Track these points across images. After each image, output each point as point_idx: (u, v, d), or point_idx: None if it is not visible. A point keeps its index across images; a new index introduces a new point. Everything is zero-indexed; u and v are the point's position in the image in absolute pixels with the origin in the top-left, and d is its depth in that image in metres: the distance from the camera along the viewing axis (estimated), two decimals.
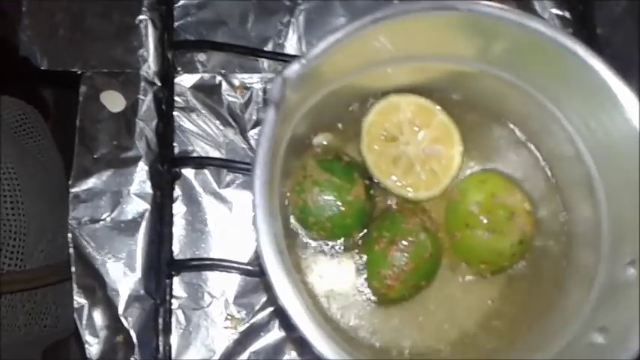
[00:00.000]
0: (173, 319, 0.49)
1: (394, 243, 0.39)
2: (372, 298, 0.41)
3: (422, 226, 0.40)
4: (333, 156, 0.41)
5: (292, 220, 0.41)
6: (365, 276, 0.41)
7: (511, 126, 0.43)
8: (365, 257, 0.41)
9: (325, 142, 0.43)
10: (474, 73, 0.39)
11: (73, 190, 0.50)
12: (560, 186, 0.42)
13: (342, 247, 0.41)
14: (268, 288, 0.49)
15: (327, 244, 0.41)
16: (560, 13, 0.56)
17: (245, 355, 0.49)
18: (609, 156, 0.36)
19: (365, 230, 0.41)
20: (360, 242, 0.41)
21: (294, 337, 0.49)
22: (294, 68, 0.32)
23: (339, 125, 0.43)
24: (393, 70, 0.39)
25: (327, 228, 0.40)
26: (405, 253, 0.39)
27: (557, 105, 0.37)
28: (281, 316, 0.49)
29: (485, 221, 0.40)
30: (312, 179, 0.39)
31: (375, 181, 0.43)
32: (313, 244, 0.41)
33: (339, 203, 0.39)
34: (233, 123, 0.53)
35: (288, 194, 0.40)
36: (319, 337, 0.31)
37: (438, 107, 0.42)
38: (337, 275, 0.41)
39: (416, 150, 0.42)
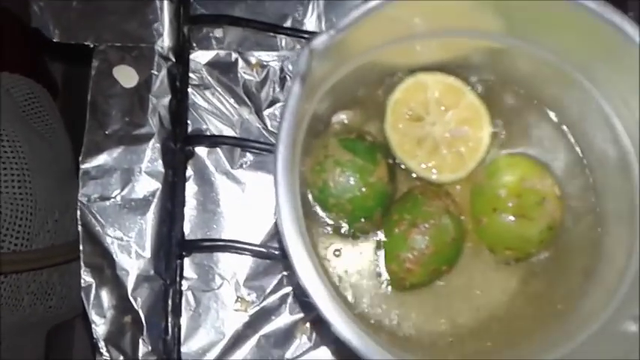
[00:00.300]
0: (183, 301, 0.48)
1: (415, 226, 0.38)
2: (389, 281, 0.39)
3: (445, 209, 0.38)
4: (356, 135, 0.40)
5: (311, 199, 0.39)
6: (384, 259, 0.39)
7: (544, 107, 0.41)
8: (384, 239, 0.39)
9: (347, 121, 0.41)
10: (506, 49, 0.37)
11: (83, 166, 0.48)
12: (592, 168, 0.40)
13: (362, 229, 0.40)
14: (281, 270, 0.49)
15: (346, 226, 0.40)
16: None
17: (255, 338, 0.48)
18: None
19: (386, 212, 0.40)
20: (380, 224, 0.40)
21: (306, 320, 0.48)
22: (322, 39, 0.31)
23: (363, 103, 0.41)
24: (422, 46, 0.38)
25: (347, 210, 0.38)
26: (426, 237, 0.38)
27: (595, 83, 0.35)
28: (295, 298, 0.48)
29: (513, 205, 0.38)
30: (334, 159, 0.38)
31: (398, 161, 0.41)
32: (332, 224, 0.40)
33: (362, 185, 0.38)
34: (248, 102, 0.52)
35: (307, 173, 0.39)
36: (339, 317, 0.29)
37: (468, 87, 0.40)
38: (356, 257, 0.40)
39: (442, 131, 0.40)
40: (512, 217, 0.38)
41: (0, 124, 0.63)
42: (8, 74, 0.70)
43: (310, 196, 0.39)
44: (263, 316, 0.48)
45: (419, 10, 0.34)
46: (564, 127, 0.41)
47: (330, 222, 0.40)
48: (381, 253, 0.40)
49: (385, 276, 0.39)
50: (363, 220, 0.39)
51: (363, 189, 0.38)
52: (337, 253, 0.40)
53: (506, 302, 0.39)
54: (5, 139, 0.63)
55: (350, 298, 0.39)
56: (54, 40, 0.50)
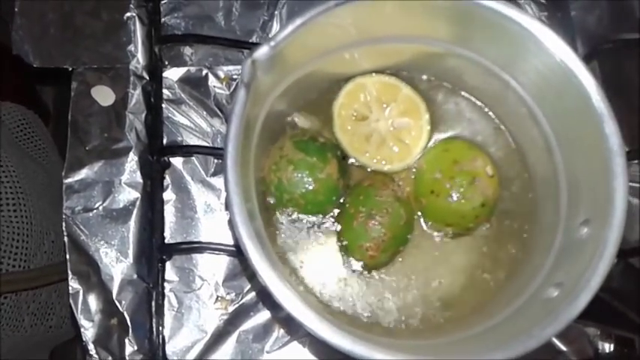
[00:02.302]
0: (165, 302, 0.51)
1: (371, 217, 0.41)
2: (352, 268, 0.42)
3: (394, 196, 0.42)
4: (309, 137, 0.43)
5: (269, 197, 0.43)
6: (346, 249, 0.43)
7: (471, 98, 0.45)
8: (343, 232, 0.43)
9: (302, 124, 0.44)
10: (436, 52, 0.41)
11: (66, 181, 0.52)
12: (521, 149, 0.44)
13: (320, 223, 0.43)
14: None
15: (304, 221, 0.43)
16: None
17: (235, 334, 0.51)
18: (562, 117, 0.37)
19: (339, 207, 0.43)
20: (336, 218, 0.43)
21: (281, 317, 0.51)
22: (263, 50, 0.34)
23: (315, 107, 0.45)
24: (361, 53, 0.41)
25: (300, 204, 0.42)
26: (382, 225, 0.41)
27: (514, 77, 0.39)
28: (266, 296, 0.51)
29: (448, 186, 0.42)
30: (287, 158, 0.42)
31: (352, 159, 0.44)
32: (291, 220, 0.43)
33: (311, 180, 0.41)
34: (219, 113, 0.55)
35: (265, 173, 0.42)
36: (304, 311, 0.33)
37: (403, 82, 0.44)
38: (315, 250, 0.43)
39: (386, 125, 0.44)
40: (447, 197, 0.42)
41: None
42: None
43: (269, 195, 0.43)
44: (242, 313, 0.51)
45: (353, 21, 0.37)
46: (491, 113, 0.45)
47: (289, 217, 0.43)
48: (341, 245, 0.43)
49: (344, 263, 0.43)
50: (317, 213, 0.43)
51: (314, 184, 0.42)
52: (298, 247, 0.43)
53: (454, 273, 0.42)
54: None
55: (312, 288, 0.42)
56: (34, 66, 0.53)
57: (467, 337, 0.37)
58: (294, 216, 0.43)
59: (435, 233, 0.44)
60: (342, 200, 0.43)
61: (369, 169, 0.45)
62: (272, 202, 0.42)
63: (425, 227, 0.44)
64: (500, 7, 0.34)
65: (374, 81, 0.44)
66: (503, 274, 0.42)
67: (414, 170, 0.44)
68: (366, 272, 0.43)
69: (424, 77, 0.45)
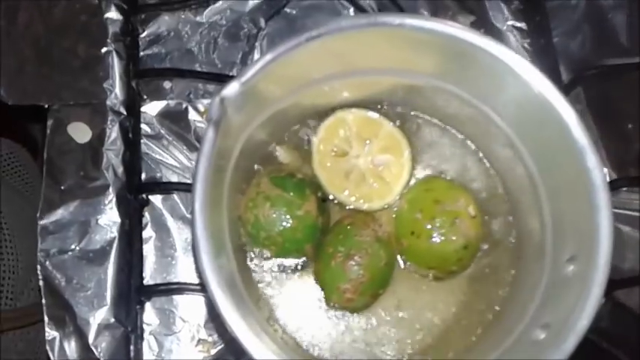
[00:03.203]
0: (145, 346, 0.49)
1: (350, 257, 0.40)
2: (331, 311, 0.41)
3: (375, 236, 0.41)
4: (286, 173, 0.42)
5: (245, 237, 0.41)
6: (322, 291, 0.41)
7: (453, 130, 0.44)
8: (320, 272, 0.41)
9: (282, 159, 0.43)
10: (415, 84, 0.40)
11: (41, 222, 0.50)
12: (504, 184, 0.43)
13: (297, 263, 0.42)
14: None
15: (282, 260, 0.42)
16: (517, 24, 0.57)
17: None
18: (543, 151, 0.36)
19: (318, 245, 0.42)
20: (313, 257, 0.42)
21: None
22: (232, 88, 0.33)
23: (291, 143, 0.43)
24: (339, 86, 0.40)
25: (278, 242, 0.40)
26: (361, 266, 0.40)
27: (495, 110, 0.38)
28: None
29: (429, 228, 0.40)
30: (264, 195, 0.40)
31: (331, 197, 0.43)
32: (268, 261, 0.42)
33: (289, 217, 0.40)
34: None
35: (242, 211, 0.41)
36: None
37: (383, 118, 0.43)
38: (294, 291, 0.42)
39: (366, 162, 0.43)
40: (429, 239, 0.40)
41: None
42: None
43: (245, 234, 0.41)
44: (225, 356, 0.49)
45: (327, 54, 0.36)
46: (480, 153, 0.43)
47: (266, 259, 0.42)
48: (319, 285, 0.41)
49: (324, 305, 0.41)
50: (295, 253, 0.41)
51: (292, 222, 0.40)
52: (275, 288, 0.41)
53: (438, 316, 0.41)
54: None
55: (292, 332, 0.40)
56: (9, 104, 0.52)
57: None
58: (271, 255, 0.41)
59: (417, 276, 0.42)
60: (320, 239, 0.42)
61: (347, 207, 0.43)
62: (248, 241, 0.41)
63: (406, 270, 0.42)
64: (476, 38, 0.34)
65: (355, 116, 0.43)
66: (489, 315, 0.40)
67: (395, 209, 0.43)
68: (346, 316, 0.41)
69: (404, 110, 0.44)
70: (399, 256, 0.42)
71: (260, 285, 0.41)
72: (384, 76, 0.40)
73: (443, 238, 0.40)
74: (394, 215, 0.43)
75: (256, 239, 0.41)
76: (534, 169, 0.37)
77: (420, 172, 0.44)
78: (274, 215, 0.40)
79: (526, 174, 0.38)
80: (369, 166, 0.43)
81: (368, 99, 0.43)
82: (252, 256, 0.42)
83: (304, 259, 0.42)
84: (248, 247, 0.41)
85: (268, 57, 0.34)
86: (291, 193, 0.40)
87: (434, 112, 0.43)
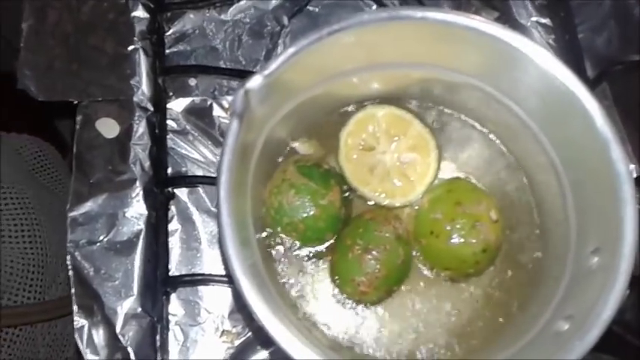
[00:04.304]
0: (170, 336, 0.50)
1: (367, 251, 0.40)
2: (346, 302, 0.41)
3: (394, 233, 0.41)
4: (313, 163, 0.42)
5: (268, 223, 0.42)
6: (338, 281, 0.41)
7: (482, 129, 0.44)
8: (336, 263, 0.42)
9: (304, 151, 0.44)
10: (443, 79, 0.40)
11: (70, 214, 0.51)
12: (528, 177, 0.43)
13: (316, 252, 0.42)
14: None
15: (302, 248, 0.42)
16: (542, 20, 0.57)
17: None
18: (567, 144, 0.36)
19: (337, 236, 0.42)
20: (332, 247, 0.42)
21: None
22: (256, 80, 0.34)
23: (319, 133, 0.44)
24: (368, 78, 0.40)
25: (299, 229, 0.41)
26: (378, 261, 0.40)
27: (517, 103, 0.38)
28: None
29: (448, 229, 0.40)
30: (290, 182, 0.41)
31: (354, 189, 0.43)
32: (288, 247, 0.42)
33: (313, 206, 0.41)
34: None
35: (266, 196, 0.41)
36: (301, 350, 0.32)
37: (414, 117, 0.43)
38: (311, 280, 0.42)
39: (392, 159, 0.43)
40: (447, 240, 0.40)
41: (12, 183, 0.66)
42: (16, 135, 0.74)
43: (268, 219, 0.42)
44: (249, 347, 0.50)
45: (349, 47, 0.37)
46: (502, 147, 0.43)
47: (287, 244, 0.42)
48: (335, 275, 0.42)
49: (339, 296, 0.41)
50: (316, 241, 0.42)
51: (315, 210, 0.41)
52: (293, 275, 0.42)
53: (455, 315, 0.41)
54: (15, 196, 0.65)
55: (317, 321, 0.41)
56: (39, 100, 0.53)
57: None
58: (293, 244, 0.42)
59: (433, 276, 0.42)
60: (340, 231, 0.42)
61: (369, 202, 0.43)
62: (270, 228, 0.41)
63: (423, 269, 0.42)
64: (499, 31, 0.34)
65: (385, 112, 0.44)
66: (512, 308, 0.40)
67: (416, 208, 0.43)
68: (364, 307, 0.41)
69: (432, 105, 0.44)
70: (416, 255, 0.42)
71: (281, 275, 0.42)
72: (412, 69, 0.40)
73: (462, 240, 0.40)
74: (415, 214, 0.43)
75: (279, 224, 0.42)
76: (558, 162, 0.37)
77: (444, 174, 0.44)
78: (298, 202, 0.41)
79: (550, 167, 0.38)
80: (394, 163, 0.43)
81: (396, 93, 0.43)
82: (274, 242, 0.42)
83: (324, 248, 0.42)
84: (270, 233, 0.42)
85: (291, 50, 0.34)
86: (317, 183, 0.41)
87: (459, 107, 0.43)
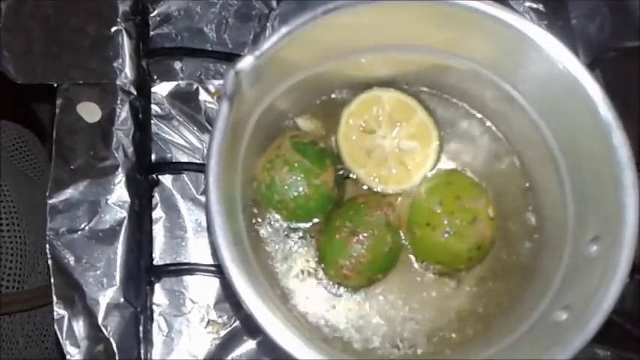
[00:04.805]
0: (154, 326, 0.49)
1: (355, 234, 0.39)
2: (328, 285, 0.41)
3: (385, 220, 0.40)
4: (309, 140, 0.41)
5: (258, 197, 0.41)
6: (322, 263, 0.41)
7: (481, 116, 0.43)
8: (322, 244, 0.41)
9: (307, 127, 0.43)
10: (435, 62, 0.39)
11: (50, 201, 0.50)
12: (524, 165, 0.42)
13: (304, 231, 0.42)
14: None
15: (290, 226, 0.42)
16: (534, 5, 0.56)
17: (228, 359, 0.48)
18: (567, 129, 0.36)
19: (327, 217, 0.41)
20: (321, 228, 0.42)
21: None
22: (247, 61, 0.32)
23: (322, 111, 0.43)
24: (371, 60, 0.40)
25: (290, 208, 0.40)
26: (364, 246, 0.39)
27: (515, 86, 0.37)
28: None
29: (446, 222, 0.39)
30: (284, 158, 0.40)
31: (347, 171, 0.43)
32: (276, 226, 0.41)
33: (306, 185, 0.40)
34: (210, 129, 0.53)
35: (258, 171, 0.40)
36: (291, 339, 0.31)
37: (419, 104, 0.42)
38: (297, 260, 0.41)
39: (392, 144, 0.42)
40: (443, 233, 0.39)
41: None
42: None
43: (258, 195, 0.41)
44: (235, 337, 0.49)
45: (344, 28, 0.36)
46: (498, 133, 0.42)
47: (275, 223, 0.41)
48: (319, 256, 0.41)
49: (323, 279, 0.41)
50: (304, 220, 0.41)
51: (307, 189, 0.40)
52: (280, 255, 0.41)
53: (442, 309, 0.40)
54: None
55: (304, 310, 0.40)
56: (18, 82, 0.51)
57: None
58: (281, 220, 0.41)
59: (420, 269, 0.41)
60: (331, 212, 0.41)
61: (362, 186, 0.42)
62: (260, 204, 0.41)
63: (412, 260, 0.41)
64: (500, 12, 0.33)
65: (390, 96, 0.43)
66: (507, 298, 0.39)
67: (411, 197, 0.42)
68: (356, 295, 0.40)
69: (439, 94, 0.43)
70: (406, 244, 0.42)
71: (266, 249, 0.40)
72: (418, 53, 0.39)
73: (459, 235, 0.39)
74: (410, 203, 0.42)
75: (269, 201, 0.40)
76: (557, 149, 0.36)
77: (442, 165, 0.43)
78: (291, 180, 0.40)
79: (548, 154, 0.37)
80: (393, 150, 0.42)
81: (402, 78, 0.42)
82: (262, 219, 0.41)
83: (312, 228, 0.42)
84: (259, 208, 0.41)
85: (284, 30, 0.33)
86: (311, 161, 0.40)
87: (462, 96, 0.42)
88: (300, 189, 0.40)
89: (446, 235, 0.39)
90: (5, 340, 0.63)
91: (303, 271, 0.41)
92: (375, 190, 0.42)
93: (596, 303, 0.30)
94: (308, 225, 0.41)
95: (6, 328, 0.63)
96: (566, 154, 0.36)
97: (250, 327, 0.49)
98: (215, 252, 0.31)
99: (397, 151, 0.43)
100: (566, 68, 0.33)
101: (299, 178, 0.40)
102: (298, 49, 0.35)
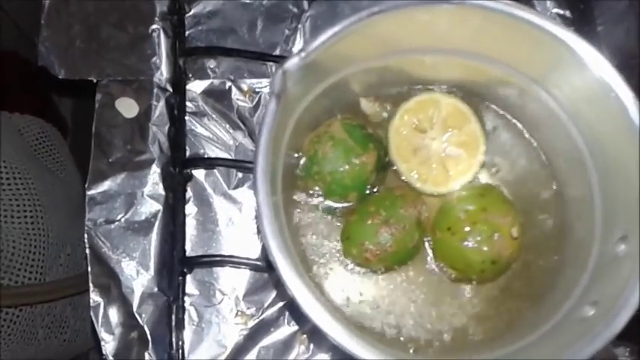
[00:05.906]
0: (186, 316, 0.50)
1: (387, 224, 0.40)
2: (345, 263, 0.43)
3: (417, 217, 0.41)
4: (358, 123, 0.43)
5: (300, 168, 0.43)
6: (346, 242, 0.42)
7: (521, 127, 0.45)
8: (352, 225, 0.42)
9: (369, 109, 0.45)
10: (504, 79, 0.41)
11: (89, 192, 0.51)
12: (552, 165, 0.43)
13: (335, 209, 0.43)
14: (277, 284, 0.51)
15: (323, 201, 0.43)
16: (561, 12, 0.57)
17: (255, 350, 0.50)
18: (598, 134, 0.37)
19: (362, 200, 0.43)
20: (353, 209, 0.43)
21: (303, 332, 0.50)
22: (294, 61, 0.34)
23: (386, 101, 0.45)
24: (433, 61, 0.41)
25: (326, 181, 0.42)
26: (393, 236, 0.40)
27: (556, 100, 0.38)
28: (291, 311, 0.50)
29: (466, 230, 0.40)
30: (330, 135, 0.42)
31: (391, 162, 0.44)
32: (312, 201, 0.43)
33: (345, 162, 0.41)
34: (242, 126, 0.55)
35: (305, 143, 0.42)
36: (334, 326, 0.32)
37: (473, 115, 0.44)
38: (321, 234, 0.43)
39: (438, 147, 0.44)
40: (461, 240, 0.40)
41: (14, 164, 0.66)
42: (19, 115, 0.73)
43: (300, 166, 0.43)
44: (262, 328, 0.51)
45: (384, 32, 0.37)
46: (532, 140, 0.44)
47: (311, 198, 0.43)
48: (345, 234, 0.43)
49: (340, 257, 0.43)
50: (339, 197, 0.43)
51: (345, 166, 0.41)
52: (313, 232, 0.43)
53: (484, 292, 0.41)
54: (18, 177, 0.65)
55: (339, 300, 0.41)
56: (60, 77, 0.53)
57: (498, 358, 0.36)
58: (317, 193, 0.43)
59: (437, 269, 0.43)
60: (366, 197, 0.43)
61: (402, 178, 0.44)
62: (299, 173, 0.42)
63: (430, 260, 0.43)
64: (537, 19, 0.34)
65: (449, 102, 0.44)
66: (536, 293, 0.40)
67: (444, 200, 0.43)
68: (388, 284, 0.42)
69: (499, 111, 0.45)
70: (429, 245, 0.43)
71: (299, 224, 0.42)
72: (480, 62, 0.41)
73: (475, 245, 0.40)
74: (440, 205, 0.43)
75: (308, 172, 0.42)
76: (585, 149, 0.37)
77: (482, 177, 0.45)
78: (331, 154, 0.41)
79: (577, 155, 0.38)
80: (439, 153, 0.44)
81: (463, 85, 0.44)
82: (299, 187, 0.43)
83: (343, 207, 0.43)
84: (297, 177, 0.43)
85: (330, 32, 0.35)
86: (355, 141, 0.41)
87: (512, 110, 0.44)
88: (339, 164, 0.41)
89: (464, 243, 0.40)
90: (26, 331, 0.65)
91: (323, 245, 0.43)
92: (413, 186, 0.43)
93: (623, 299, 0.31)
94: (340, 203, 0.43)
95: (27, 319, 0.65)
96: (595, 157, 0.37)
97: (277, 319, 0.51)
98: (262, 241, 0.32)
99: (443, 155, 0.44)
100: (601, 76, 0.34)
101: (340, 154, 0.41)
102: (341, 50, 0.36)
